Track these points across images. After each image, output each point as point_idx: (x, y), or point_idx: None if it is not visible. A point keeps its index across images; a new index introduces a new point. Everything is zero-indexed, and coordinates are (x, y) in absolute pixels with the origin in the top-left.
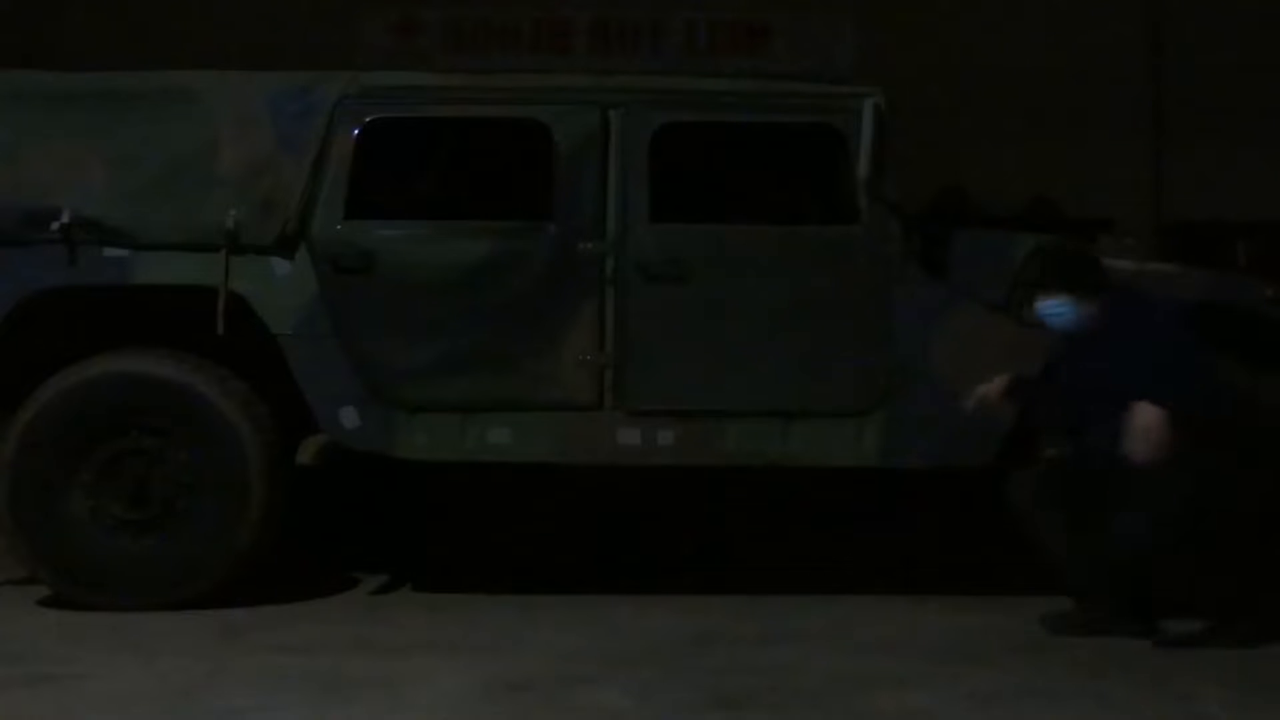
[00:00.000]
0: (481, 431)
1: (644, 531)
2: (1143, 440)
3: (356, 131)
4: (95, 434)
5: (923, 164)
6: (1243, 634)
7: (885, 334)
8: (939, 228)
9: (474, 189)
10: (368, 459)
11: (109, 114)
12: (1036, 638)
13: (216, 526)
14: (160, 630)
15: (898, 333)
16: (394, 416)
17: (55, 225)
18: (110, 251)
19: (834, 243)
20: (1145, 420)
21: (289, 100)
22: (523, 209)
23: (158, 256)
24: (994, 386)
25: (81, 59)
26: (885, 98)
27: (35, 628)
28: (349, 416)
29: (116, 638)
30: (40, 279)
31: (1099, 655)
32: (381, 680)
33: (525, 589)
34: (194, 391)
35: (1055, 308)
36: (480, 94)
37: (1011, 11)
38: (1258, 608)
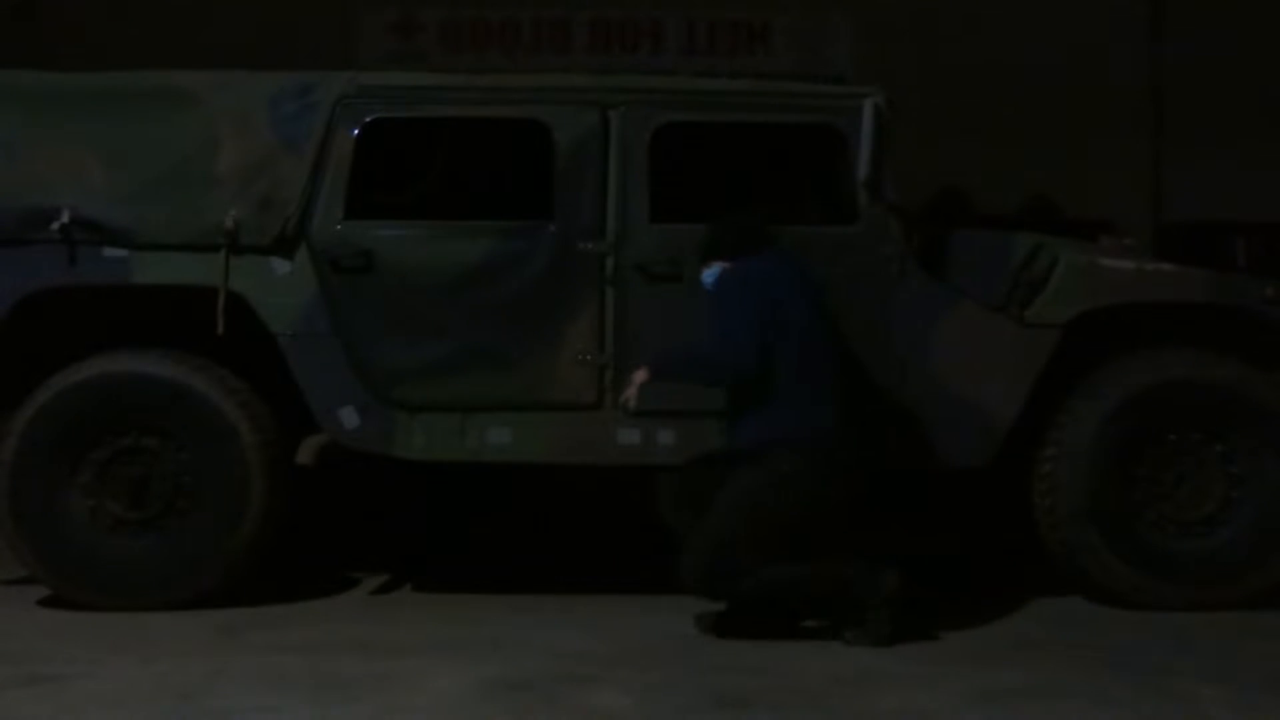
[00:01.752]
0: (481, 431)
1: (644, 531)
2: (632, 390)
3: (356, 131)
4: (95, 434)
5: (923, 164)
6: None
7: (885, 334)
8: (939, 228)
9: (474, 189)
10: (368, 459)
11: (109, 114)
12: (1036, 637)
13: (216, 526)
14: (160, 630)
15: (898, 333)
16: (394, 416)
17: (55, 225)
18: (110, 251)
19: (834, 243)
20: (640, 374)
21: (289, 100)
22: (523, 209)
23: (157, 256)
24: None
25: (80, 58)
26: (885, 98)
27: (35, 628)
28: (349, 416)
29: (116, 638)
30: (40, 279)
31: (1099, 655)
32: (381, 680)
33: (525, 589)
34: (194, 391)
35: (708, 277)
36: (480, 94)
37: (1011, 11)
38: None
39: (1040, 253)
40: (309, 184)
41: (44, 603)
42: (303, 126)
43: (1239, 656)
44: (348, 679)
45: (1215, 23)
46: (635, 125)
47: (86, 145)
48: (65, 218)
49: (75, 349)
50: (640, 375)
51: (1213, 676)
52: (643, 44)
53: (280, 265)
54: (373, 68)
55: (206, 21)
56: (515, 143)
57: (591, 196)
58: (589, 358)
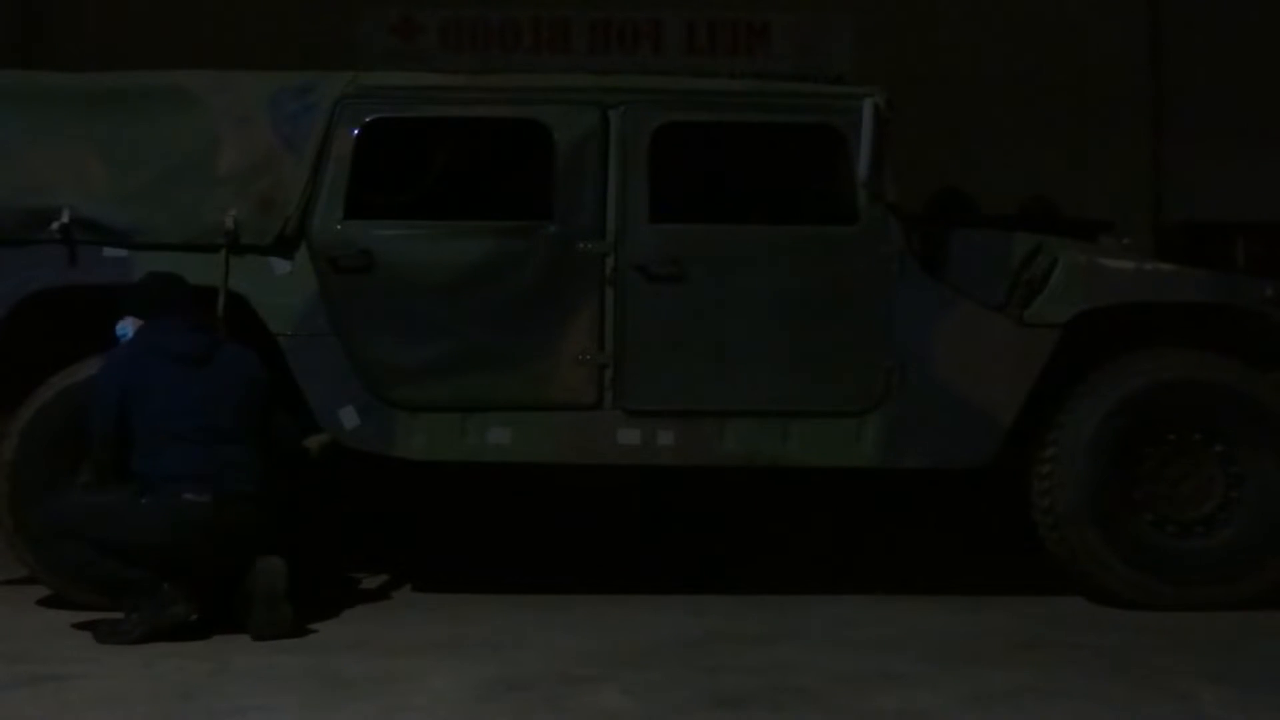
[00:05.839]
0: (481, 431)
1: (645, 531)
2: None
3: (356, 131)
4: None
5: (923, 164)
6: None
7: (885, 334)
8: (939, 228)
9: (474, 189)
10: (368, 458)
11: (109, 114)
12: (1037, 637)
13: None
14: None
15: (897, 333)
16: (394, 416)
17: (55, 225)
18: (110, 251)
19: (834, 243)
20: None
21: (289, 100)
22: (523, 209)
23: (157, 256)
24: None
25: (80, 57)
26: (885, 98)
27: (35, 628)
28: (349, 416)
29: None
30: (40, 279)
31: (1099, 655)
32: (381, 680)
33: (525, 589)
34: None
35: (120, 332)
36: (480, 94)
37: (1011, 11)
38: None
39: (1040, 253)
40: (309, 184)
41: (44, 603)
42: (303, 126)
43: (1239, 656)
44: (348, 679)
45: (1216, 22)
46: (635, 125)
47: (86, 145)
48: (65, 218)
49: (75, 349)
50: None
51: (1213, 676)
52: (643, 44)
53: (280, 265)
54: (373, 68)
55: (206, 22)
56: (515, 143)
57: (591, 196)
58: (589, 358)
